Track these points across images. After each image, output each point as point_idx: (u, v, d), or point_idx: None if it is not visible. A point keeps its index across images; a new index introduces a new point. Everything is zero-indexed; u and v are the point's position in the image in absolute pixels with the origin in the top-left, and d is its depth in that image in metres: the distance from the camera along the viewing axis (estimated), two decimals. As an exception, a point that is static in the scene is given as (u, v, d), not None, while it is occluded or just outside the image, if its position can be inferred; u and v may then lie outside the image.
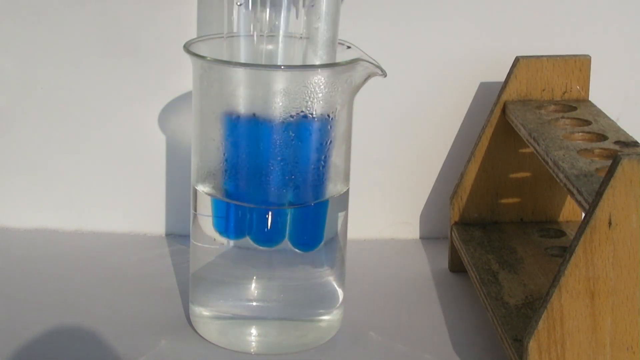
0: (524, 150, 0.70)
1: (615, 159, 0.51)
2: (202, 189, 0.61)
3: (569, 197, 0.67)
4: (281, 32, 0.62)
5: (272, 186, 0.59)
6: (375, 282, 0.70)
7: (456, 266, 0.71)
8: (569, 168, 0.57)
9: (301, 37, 0.62)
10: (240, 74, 0.58)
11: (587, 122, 0.65)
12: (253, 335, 0.61)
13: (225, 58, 0.61)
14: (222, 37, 0.62)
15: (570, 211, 0.72)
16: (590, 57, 0.70)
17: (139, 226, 0.77)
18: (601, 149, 0.60)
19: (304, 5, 0.61)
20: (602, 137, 0.62)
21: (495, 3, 0.74)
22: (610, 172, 0.51)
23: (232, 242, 0.60)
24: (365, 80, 0.60)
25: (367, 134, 0.74)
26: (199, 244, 0.62)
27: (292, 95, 0.58)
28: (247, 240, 0.60)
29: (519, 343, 0.56)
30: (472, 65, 0.75)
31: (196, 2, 0.73)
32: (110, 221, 0.77)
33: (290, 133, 0.58)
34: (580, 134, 0.63)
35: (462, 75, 0.75)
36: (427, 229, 0.78)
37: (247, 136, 0.59)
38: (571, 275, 0.52)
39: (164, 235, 0.77)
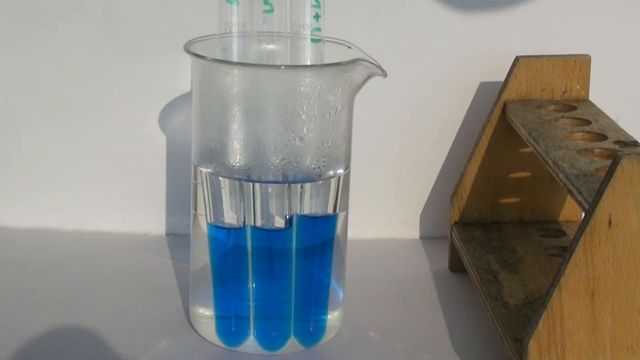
0: (524, 150, 0.70)
1: (615, 159, 0.51)
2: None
3: (569, 197, 0.67)
4: (286, 31, 0.62)
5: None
6: (375, 282, 0.70)
7: (456, 266, 0.71)
8: (569, 168, 0.57)
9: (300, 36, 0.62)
10: (240, 73, 0.58)
11: (587, 122, 0.65)
12: (253, 335, 0.61)
13: (223, 58, 0.61)
14: (222, 37, 0.62)
15: (570, 211, 0.72)
16: (590, 57, 0.70)
17: (139, 226, 0.77)
18: (601, 148, 0.60)
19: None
20: (602, 137, 0.62)
21: (495, 3, 0.74)
22: (610, 171, 0.51)
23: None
24: (366, 80, 0.60)
25: (367, 134, 0.74)
26: (199, 244, 0.62)
27: (292, 95, 0.58)
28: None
29: (519, 343, 0.56)
30: (472, 65, 0.75)
31: (197, 2, 0.73)
32: (110, 221, 0.77)
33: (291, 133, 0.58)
34: (580, 133, 0.63)
35: (462, 75, 0.75)
36: (427, 229, 0.78)
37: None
38: (571, 275, 0.52)
39: (164, 235, 0.77)
